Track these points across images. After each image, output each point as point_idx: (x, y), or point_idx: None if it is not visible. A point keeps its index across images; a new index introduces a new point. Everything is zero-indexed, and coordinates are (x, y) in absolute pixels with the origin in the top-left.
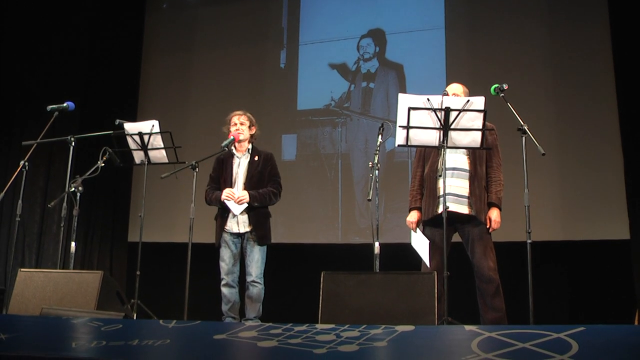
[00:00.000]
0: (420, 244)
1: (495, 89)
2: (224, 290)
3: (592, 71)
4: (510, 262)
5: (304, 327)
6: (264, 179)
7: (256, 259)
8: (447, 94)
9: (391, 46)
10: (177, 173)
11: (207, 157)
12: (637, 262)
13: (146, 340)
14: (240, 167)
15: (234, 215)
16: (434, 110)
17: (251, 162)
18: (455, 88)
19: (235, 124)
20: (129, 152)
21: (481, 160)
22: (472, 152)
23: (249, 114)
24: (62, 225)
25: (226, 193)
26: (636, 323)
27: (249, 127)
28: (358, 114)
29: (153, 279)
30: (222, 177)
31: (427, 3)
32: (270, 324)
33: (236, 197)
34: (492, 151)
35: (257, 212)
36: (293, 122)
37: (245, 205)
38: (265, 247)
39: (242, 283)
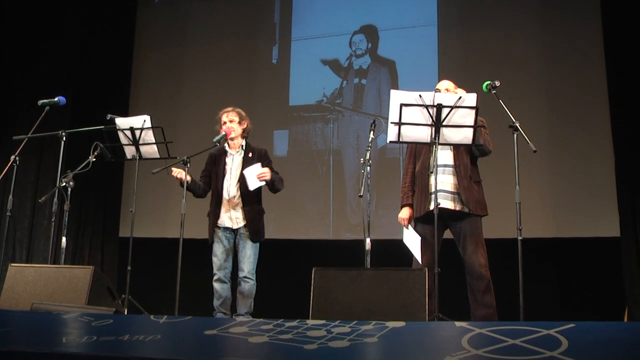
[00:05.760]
0: (412, 240)
1: (487, 85)
2: (216, 285)
3: (584, 68)
4: (501, 258)
5: (294, 323)
6: None
7: (248, 255)
8: (439, 91)
9: (383, 42)
10: (169, 168)
11: (198, 153)
12: (627, 259)
13: (137, 335)
14: (234, 163)
15: (227, 207)
16: (426, 106)
17: (245, 159)
18: (447, 84)
19: (225, 122)
20: (120, 147)
21: (467, 153)
22: (456, 146)
23: (238, 109)
24: (53, 220)
25: (176, 173)
26: (625, 320)
27: (239, 122)
28: (350, 110)
29: (144, 274)
30: (214, 172)
31: None
32: (261, 319)
33: (258, 171)
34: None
35: (252, 208)
36: (285, 118)
37: (263, 183)
38: (258, 244)
39: (234, 279)
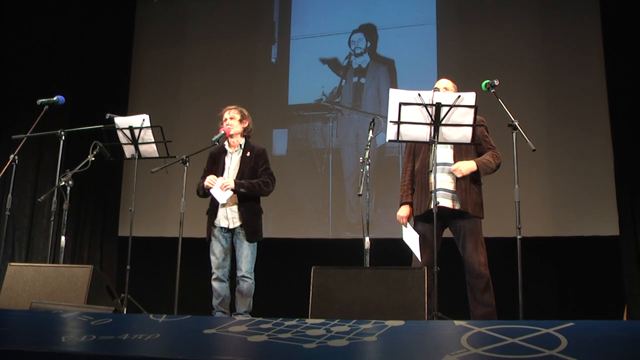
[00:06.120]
0: (411, 238)
1: (486, 84)
2: (215, 284)
3: (583, 67)
4: (501, 257)
5: (294, 322)
6: (257, 175)
7: (245, 254)
8: (438, 90)
9: (382, 41)
10: (168, 167)
11: (197, 152)
12: (626, 258)
13: (136, 334)
14: (232, 162)
15: (223, 205)
16: (425, 105)
17: (243, 158)
18: (445, 83)
19: (226, 119)
20: (119, 146)
21: (467, 152)
22: (456, 145)
23: (241, 108)
24: (52, 219)
25: (208, 180)
26: (625, 319)
27: (240, 120)
28: (349, 109)
29: (143, 274)
30: (214, 172)
31: None
32: (261, 318)
33: (219, 183)
34: (483, 143)
35: (247, 207)
36: (284, 117)
37: (230, 193)
38: (255, 243)
39: (233, 277)
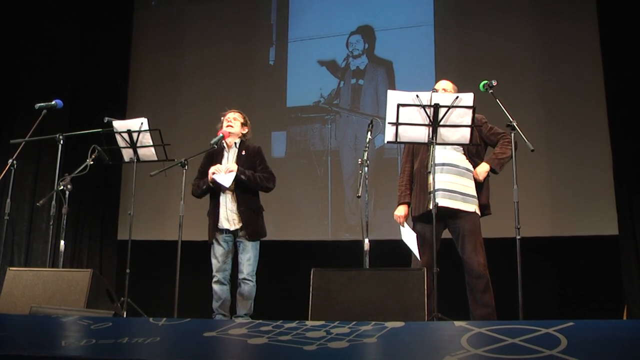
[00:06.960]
0: (409, 237)
1: (484, 85)
2: (215, 287)
3: (581, 67)
4: (500, 258)
5: (294, 324)
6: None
7: (248, 256)
8: (437, 91)
9: (380, 43)
10: (167, 170)
11: (196, 155)
12: (626, 257)
13: (136, 338)
14: (228, 162)
15: (225, 191)
16: (423, 106)
17: (239, 157)
18: (445, 84)
19: (229, 119)
20: (118, 150)
21: (477, 152)
22: (466, 147)
23: (245, 114)
24: (51, 223)
25: (213, 168)
26: (625, 318)
27: (242, 124)
28: (347, 110)
29: (143, 277)
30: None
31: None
32: (261, 321)
33: (224, 168)
34: (492, 137)
35: (247, 207)
36: (282, 119)
37: (234, 175)
38: (258, 244)
39: (234, 280)
